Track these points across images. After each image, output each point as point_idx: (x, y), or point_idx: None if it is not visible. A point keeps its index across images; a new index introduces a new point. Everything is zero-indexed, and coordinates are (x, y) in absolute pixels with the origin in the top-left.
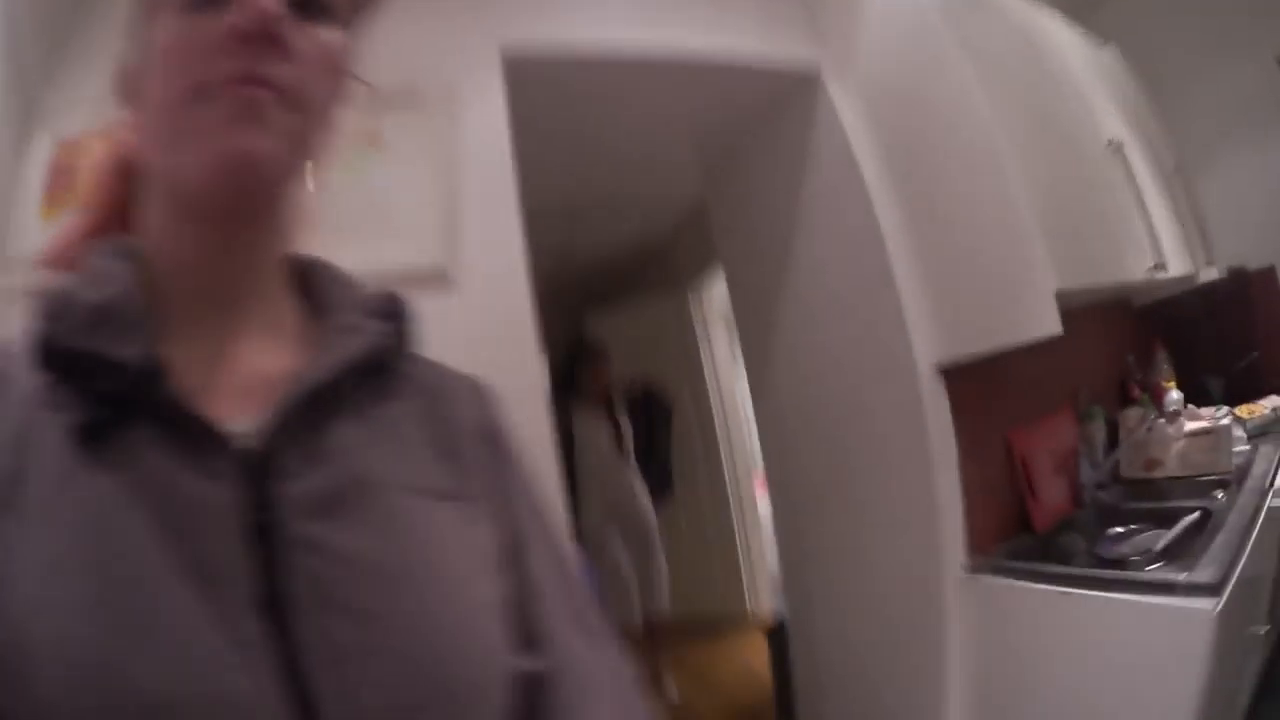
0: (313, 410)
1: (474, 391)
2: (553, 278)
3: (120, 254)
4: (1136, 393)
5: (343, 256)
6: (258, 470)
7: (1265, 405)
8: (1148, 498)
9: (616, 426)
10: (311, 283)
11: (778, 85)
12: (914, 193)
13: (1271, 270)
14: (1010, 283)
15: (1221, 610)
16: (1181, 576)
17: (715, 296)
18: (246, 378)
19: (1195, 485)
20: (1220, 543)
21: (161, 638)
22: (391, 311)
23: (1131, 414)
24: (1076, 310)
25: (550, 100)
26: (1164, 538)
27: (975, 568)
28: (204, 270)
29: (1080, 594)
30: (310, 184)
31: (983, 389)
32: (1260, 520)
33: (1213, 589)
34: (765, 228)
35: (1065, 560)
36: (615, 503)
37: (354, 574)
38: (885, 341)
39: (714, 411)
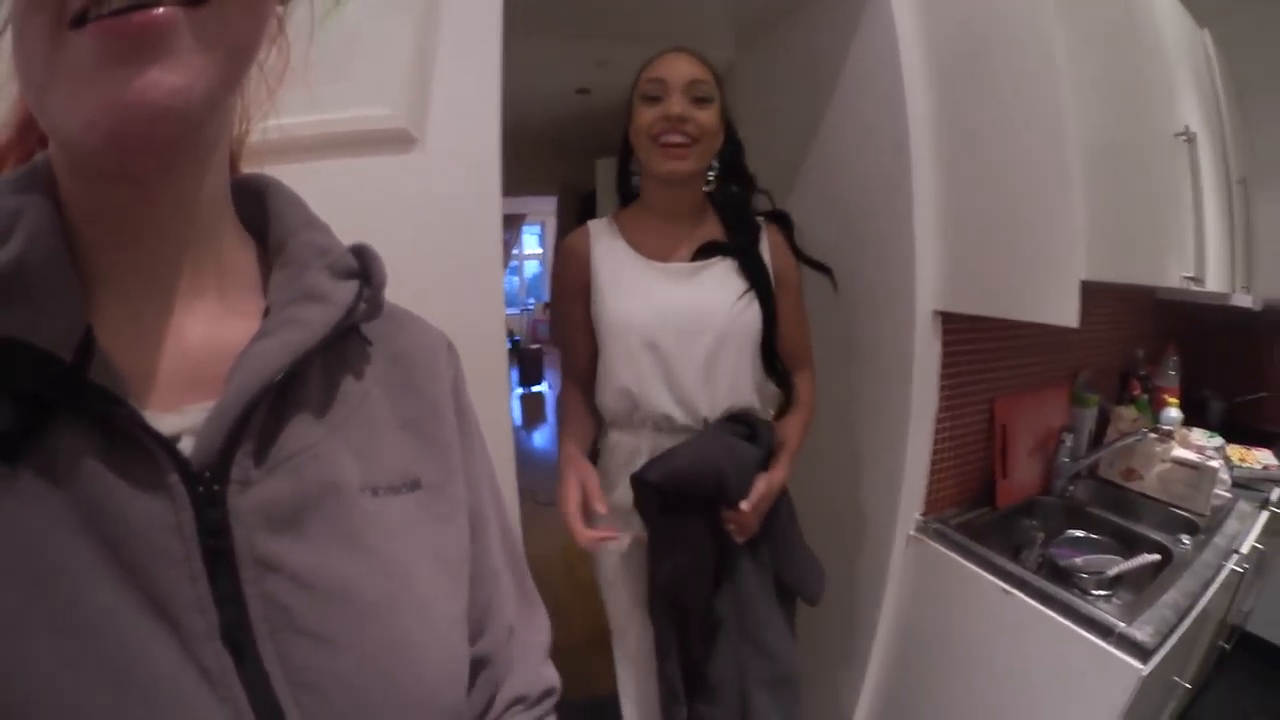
0: (268, 404)
1: (445, 353)
2: (572, 123)
3: (31, 183)
4: (1137, 390)
5: (295, 113)
6: (205, 481)
7: (1258, 457)
8: (1116, 509)
9: None
10: (267, 214)
11: None
12: (957, 124)
13: None
14: (1036, 256)
15: (1150, 674)
16: (1121, 625)
17: None
18: (195, 353)
19: (1167, 516)
20: (1168, 600)
21: (139, 690)
22: (362, 269)
23: (1126, 412)
24: (1096, 285)
25: None
26: (1119, 565)
27: (926, 530)
28: (122, 226)
29: (1020, 598)
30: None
31: (978, 345)
32: (1214, 586)
33: (1146, 653)
34: (789, 109)
35: (1018, 548)
36: None
37: (316, 597)
38: (888, 270)
39: None
